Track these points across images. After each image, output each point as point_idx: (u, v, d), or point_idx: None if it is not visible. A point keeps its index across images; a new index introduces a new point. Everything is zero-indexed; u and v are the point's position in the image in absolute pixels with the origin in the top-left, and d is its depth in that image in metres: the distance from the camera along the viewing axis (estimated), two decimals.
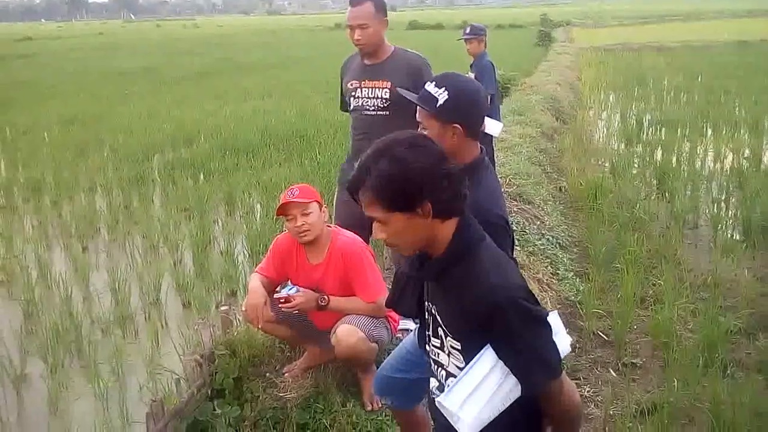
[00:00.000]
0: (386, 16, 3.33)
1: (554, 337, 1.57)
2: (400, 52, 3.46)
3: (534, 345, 1.50)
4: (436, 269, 1.60)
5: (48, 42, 48.31)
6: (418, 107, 2.01)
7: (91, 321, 5.05)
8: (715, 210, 6.63)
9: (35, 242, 6.64)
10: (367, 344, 2.84)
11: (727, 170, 8.12)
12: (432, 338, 1.73)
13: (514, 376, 1.52)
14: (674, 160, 8.67)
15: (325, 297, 2.95)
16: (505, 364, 1.51)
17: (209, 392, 3.24)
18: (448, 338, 1.64)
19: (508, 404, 1.56)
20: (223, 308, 3.71)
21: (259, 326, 3.06)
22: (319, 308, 2.96)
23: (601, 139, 10.39)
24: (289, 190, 2.99)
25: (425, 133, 1.98)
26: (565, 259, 5.21)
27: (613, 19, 50.39)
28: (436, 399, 1.64)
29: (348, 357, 2.89)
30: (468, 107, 1.97)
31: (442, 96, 1.93)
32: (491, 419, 1.56)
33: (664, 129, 10.73)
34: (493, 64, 5.93)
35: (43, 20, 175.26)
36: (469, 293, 1.52)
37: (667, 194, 7.16)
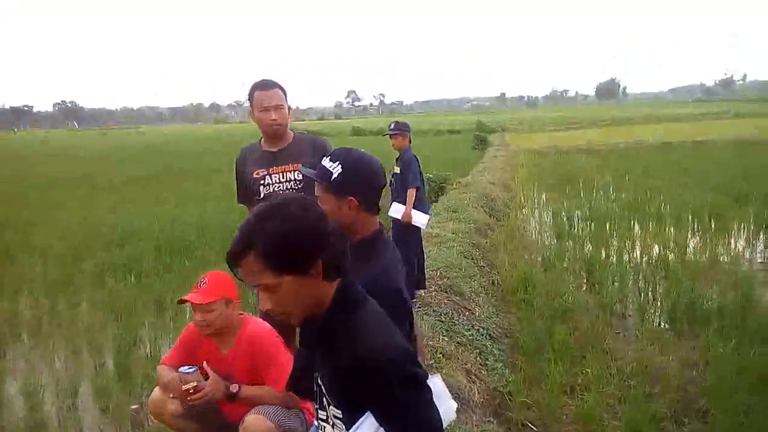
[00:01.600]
0: (290, 105, 3.45)
1: (437, 402, 1.56)
2: (300, 135, 3.57)
3: (414, 408, 1.48)
4: (317, 332, 1.58)
5: None
6: (316, 184, 2.05)
7: (2, 428, 4.74)
8: (641, 299, 6.79)
9: None
10: None
11: (653, 261, 8.39)
12: (319, 411, 1.69)
13: None
14: (603, 253, 8.93)
15: (236, 385, 2.86)
16: (384, 429, 1.48)
17: None
18: (331, 408, 1.60)
19: None
20: (133, 407, 3.54)
21: (166, 421, 2.92)
22: (228, 397, 2.86)
23: (533, 235, 10.66)
24: (200, 279, 2.95)
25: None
26: (494, 350, 5.21)
27: (545, 125, 52.94)
28: None
29: None
30: (361, 180, 2.00)
31: (336, 170, 1.97)
32: None
33: (593, 224, 11.09)
34: (417, 158, 6.13)
35: None
36: (348, 355, 1.49)
37: (595, 285, 7.32)
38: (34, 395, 5.08)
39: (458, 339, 4.97)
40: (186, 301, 2.89)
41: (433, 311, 5.46)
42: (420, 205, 5.95)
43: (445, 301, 5.75)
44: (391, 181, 6.17)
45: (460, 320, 5.41)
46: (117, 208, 14.98)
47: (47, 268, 9.14)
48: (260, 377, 2.91)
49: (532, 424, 4.20)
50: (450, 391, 4.08)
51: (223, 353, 3.01)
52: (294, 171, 3.39)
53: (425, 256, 6.40)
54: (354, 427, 1.51)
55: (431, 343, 4.68)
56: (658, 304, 6.74)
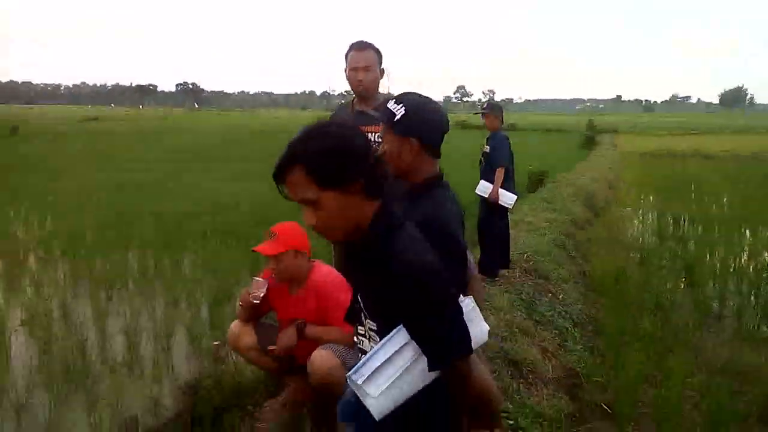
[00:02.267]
0: (383, 68, 3.48)
1: (468, 322, 1.59)
2: (390, 97, 3.60)
3: (441, 323, 1.52)
4: (357, 251, 1.64)
5: (114, 123, 51.12)
6: (382, 124, 2.10)
7: (102, 361, 5.16)
8: (741, 302, 6.44)
9: (65, 289, 6.88)
10: (342, 372, 2.84)
11: (760, 267, 7.92)
12: (358, 327, 1.76)
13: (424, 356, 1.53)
14: (707, 255, 8.51)
15: (302, 321, 3.00)
16: (414, 340, 1.53)
17: (190, 420, 3.25)
18: (367, 321, 1.66)
19: (422, 385, 1.56)
20: (215, 342, 3.77)
21: (241, 352, 3.11)
22: (299, 335, 3.00)
23: (633, 233, 10.29)
24: (272, 230, 3.12)
25: (384, 148, 2.06)
26: (575, 334, 5.11)
27: (660, 129, 50.64)
28: (347, 377, 1.64)
29: (322, 383, 2.88)
30: (424, 122, 2.01)
31: (399, 111, 2.00)
32: (402, 399, 1.56)
33: (700, 227, 10.58)
34: (508, 139, 6.09)
35: (112, 105, 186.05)
36: (385, 271, 1.55)
37: (694, 285, 7.00)
38: (133, 335, 5.49)
39: (536, 317, 4.93)
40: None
41: (514, 289, 5.43)
42: (507, 185, 5.92)
43: (529, 282, 5.70)
44: (480, 161, 6.17)
45: (541, 301, 5.35)
46: (226, 179, 15.74)
47: (157, 227, 9.78)
48: (327, 319, 3.03)
49: (607, 407, 4.11)
50: (522, 365, 4.08)
51: (293, 295, 3.16)
52: (375, 132, 3.47)
53: (511, 238, 6.34)
54: (386, 338, 1.57)
55: (507, 316, 4.67)
56: (759, 308, 6.37)
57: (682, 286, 7.10)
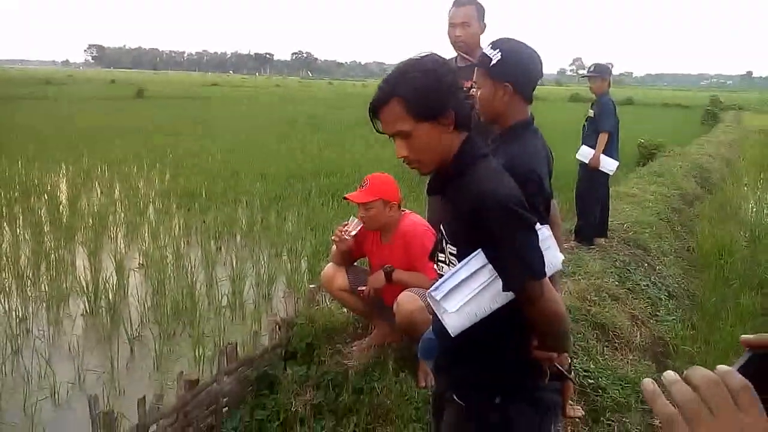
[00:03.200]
0: (485, 23, 3.51)
1: (543, 249, 1.68)
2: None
3: (517, 245, 1.62)
4: (442, 180, 1.76)
5: (232, 89, 53.30)
6: (476, 69, 2.19)
7: (208, 303, 5.60)
8: None
9: (179, 238, 7.45)
10: (425, 314, 2.98)
11: None
12: (439, 254, 1.88)
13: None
14: None
15: (390, 266, 3.17)
16: (490, 262, 1.64)
17: (283, 353, 3.52)
18: (448, 246, 1.78)
19: (496, 306, 1.67)
20: (311, 286, 4.01)
21: (334, 293, 3.33)
22: (387, 279, 3.17)
23: (747, 212, 9.75)
24: (364, 179, 3.28)
25: (479, 92, 2.16)
26: (669, 305, 5.01)
27: None
28: (427, 293, 1.77)
29: (407, 324, 3.04)
30: (519, 67, 2.06)
31: (495, 56, 2.06)
32: (476, 317, 1.68)
33: None
34: (614, 103, 5.91)
35: (231, 72, 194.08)
36: (464, 198, 1.67)
37: None
38: (238, 281, 5.89)
39: (629, 286, 4.87)
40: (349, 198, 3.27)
41: (609, 257, 5.36)
42: (610, 151, 5.77)
43: (626, 252, 5.60)
44: (583, 126, 6.05)
45: (636, 271, 5.26)
46: (332, 145, 16.18)
47: (265, 186, 10.28)
48: (414, 265, 3.18)
49: None
50: (608, 329, 4.08)
51: (384, 243, 3.33)
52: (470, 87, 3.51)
53: (609, 207, 6.21)
54: (465, 260, 1.69)
55: (597, 281, 4.65)
56: None
57: None
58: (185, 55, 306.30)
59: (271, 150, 14.96)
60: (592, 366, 3.65)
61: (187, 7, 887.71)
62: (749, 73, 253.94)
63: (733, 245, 6.69)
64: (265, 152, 14.50)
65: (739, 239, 7.54)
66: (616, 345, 4.05)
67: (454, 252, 1.76)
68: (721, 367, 0.63)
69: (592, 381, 3.51)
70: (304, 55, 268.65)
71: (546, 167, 2.13)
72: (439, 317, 1.71)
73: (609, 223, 6.14)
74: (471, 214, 1.65)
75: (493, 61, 2.07)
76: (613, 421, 3.29)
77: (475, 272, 1.66)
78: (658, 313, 4.77)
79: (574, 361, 3.64)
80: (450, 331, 1.68)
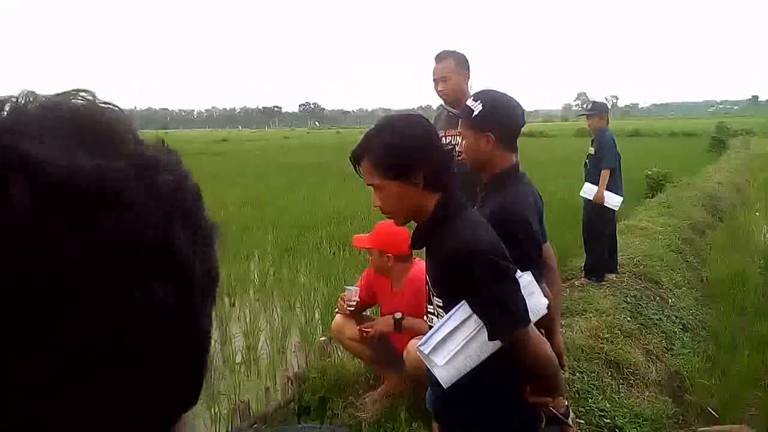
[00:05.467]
0: (468, 72, 3.59)
1: (526, 296, 1.71)
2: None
3: (499, 295, 1.66)
4: (421, 235, 1.82)
5: (241, 143, 54.13)
6: (459, 120, 2.27)
7: (223, 360, 5.62)
8: None
9: None
10: None
11: None
12: (428, 306, 1.92)
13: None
14: None
15: (399, 313, 3.20)
16: (474, 312, 1.68)
17: (297, 408, 3.54)
18: (434, 299, 1.83)
19: (485, 355, 1.71)
20: (322, 339, 4.04)
21: (344, 343, 3.37)
22: (396, 327, 3.20)
23: (761, 239, 9.69)
24: (376, 225, 3.38)
25: (463, 142, 2.23)
26: (684, 338, 4.98)
27: None
28: (416, 348, 1.81)
29: (416, 372, 3.05)
30: (499, 117, 2.15)
31: (477, 107, 2.15)
32: (466, 368, 1.71)
33: None
34: (613, 138, 5.99)
35: (240, 127, 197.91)
36: (444, 251, 1.72)
37: None
38: (252, 337, 5.92)
39: (642, 321, 4.85)
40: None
41: (620, 292, 5.35)
42: (613, 187, 5.82)
43: (637, 287, 5.59)
44: (585, 163, 6.12)
45: (649, 305, 5.25)
46: (341, 192, 16.32)
47: (276, 238, 10.37)
48: (423, 312, 3.21)
49: (711, 410, 4.00)
50: (623, 366, 4.06)
51: (395, 290, 3.38)
52: (454, 136, 3.59)
53: (618, 242, 6.24)
54: (450, 312, 1.74)
55: (609, 318, 4.64)
56: None
57: None
58: (195, 112, 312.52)
59: (281, 201, 15.12)
60: (607, 405, 3.62)
61: (195, 66, 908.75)
62: (755, 97, 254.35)
63: (747, 273, 6.65)
64: (275, 203, 14.65)
65: (753, 266, 7.49)
66: (632, 382, 4.02)
67: (441, 304, 1.80)
68: None
69: (608, 421, 3.48)
70: (311, 106, 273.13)
71: (535, 212, 2.19)
72: (430, 370, 1.74)
73: (619, 257, 6.15)
74: (451, 266, 1.70)
75: (475, 113, 2.16)
76: None
77: (460, 324, 1.70)
78: (673, 347, 4.74)
79: (589, 400, 3.63)
80: (442, 384, 1.71)
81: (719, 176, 14.66)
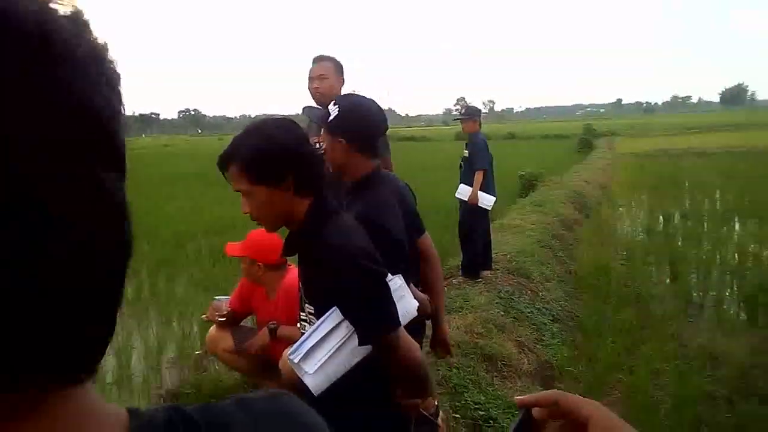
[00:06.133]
0: (343, 78, 3.62)
1: (397, 299, 1.72)
2: None
3: (370, 299, 1.66)
4: (292, 241, 1.79)
5: None
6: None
7: (93, 381, 5.30)
8: (722, 292, 6.56)
9: None
10: None
11: (745, 259, 8.01)
12: (300, 314, 1.90)
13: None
14: (694, 249, 8.62)
15: (274, 323, 3.14)
16: (345, 318, 1.67)
17: None
18: (306, 305, 1.81)
19: (356, 360, 1.70)
20: (197, 352, 3.91)
21: (219, 355, 3.27)
22: (272, 336, 3.14)
23: (622, 231, 10.40)
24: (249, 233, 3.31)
25: (324, 146, 2.20)
26: (553, 329, 5.23)
27: (658, 131, 50.73)
28: (287, 357, 1.78)
29: (291, 380, 3.00)
30: (353, 122, 2.11)
31: (333, 112, 2.12)
32: (337, 375, 1.69)
33: (689, 222, 10.69)
34: (486, 142, 6.25)
35: None
36: (315, 256, 1.70)
37: (677, 278, 7.11)
38: (124, 353, 5.62)
39: (514, 314, 5.05)
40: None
41: (494, 288, 5.55)
42: (487, 188, 6.07)
43: (510, 282, 5.82)
44: (460, 165, 6.33)
45: (521, 299, 5.47)
46: (223, 200, 15.92)
47: (153, 249, 9.94)
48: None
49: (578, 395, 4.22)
50: (496, 359, 4.20)
51: (270, 299, 3.31)
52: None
53: (492, 240, 6.48)
54: (321, 319, 1.72)
55: (483, 314, 4.79)
56: (739, 296, 6.47)
57: (667, 280, 7.22)
58: None
59: (159, 211, 14.52)
60: (482, 398, 3.73)
61: None
62: (619, 101, 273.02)
63: (610, 265, 7.10)
64: (153, 213, 14.05)
65: (616, 258, 8.01)
66: (505, 374, 4.17)
67: (313, 311, 1.78)
68: None
69: (483, 413, 3.59)
70: (192, 112, 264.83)
71: (398, 214, 2.17)
72: (300, 378, 1.72)
73: (493, 255, 6.39)
74: (323, 272, 1.68)
75: (330, 117, 2.13)
76: None
77: (331, 330, 1.68)
78: (543, 338, 4.96)
79: (465, 395, 3.73)
80: (312, 391, 1.69)
81: (586, 175, 15.59)
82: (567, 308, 6.00)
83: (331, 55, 3.65)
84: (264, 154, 1.66)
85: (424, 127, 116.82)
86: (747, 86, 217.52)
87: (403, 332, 1.70)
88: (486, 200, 6.04)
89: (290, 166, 1.67)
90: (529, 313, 5.24)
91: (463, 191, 6.11)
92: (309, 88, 3.57)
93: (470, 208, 6.07)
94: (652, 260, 8.08)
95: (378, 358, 1.70)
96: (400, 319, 1.72)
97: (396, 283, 1.81)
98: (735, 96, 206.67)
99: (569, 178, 14.48)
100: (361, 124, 2.14)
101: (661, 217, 11.23)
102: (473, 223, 6.09)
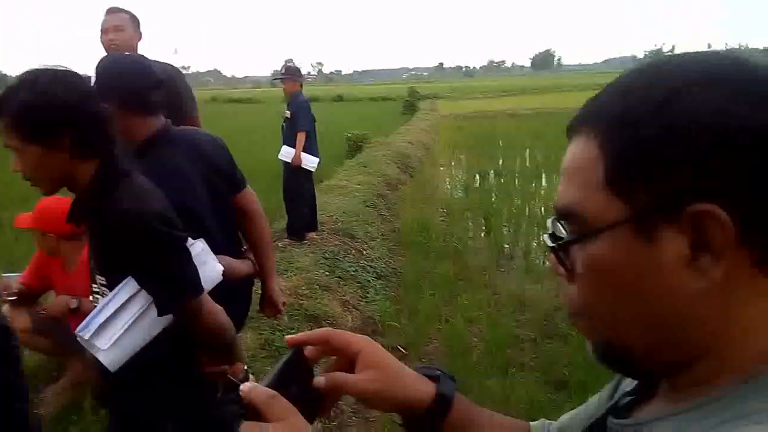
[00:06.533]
0: (140, 34, 3.36)
1: (200, 264, 1.64)
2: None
3: (167, 266, 1.56)
4: (78, 208, 1.63)
5: None
6: None
7: None
8: (530, 242, 7.10)
9: None
10: None
11: (551, 212, 8.71)
12: (92, 286, 1.76)
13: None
14: (507, 204, 9.24)
15: (75, 300, 2.91)
16: (142, 287, 1.56)
17: None
18: (97, 277, 1.67)
19: (157, 331, 1.60)
20: None
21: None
22: (72, 312, 2.91)
23: (442, 189, 10.90)
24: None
25: None
26: (377, 285, 5.38)
27: (476, 93, 53.56)
28: (75, 333, 1.64)
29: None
30: (113, 85, 1.90)
31: (92, 80, 1.88)
32: (135, 348, 1.59)
33: (503, 179, 11.44)
34: (308, 103, 6.20)
35: None
36: (106, 222, 1.56)
37: (492, 232, 7.60)
38: None
39: (339, 274, 5.12)
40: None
41: (319, 249, 5.59)
42: (310, 149, 6.05)
43: (336, 242, 5.89)
44: (282, 126, 6.23)
45: (346, 258, 5.56)
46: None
47: None
48: None
49: (401, 347, 4.39)
50: (321, 319, 4.22)
51: (69, 271, 3.06)
52: None
53: (317, 201, 6.50)
54: (114, 290, 1.59)
55: (308, 275, 4.81)
56: (544, 246, 7.03)
57: (482, 234, 7.69)
58: None
59: None
60: None
61: None
62: (441, 65, 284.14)
63: (431, 221, 7.41)
64: None
65: (436, 215, 8.39)
66: None
67: (105, 282, 1.65)
68: (245, 386, 0.63)
69: None
70: None
71: (184, 177, 2.00)
72: (94, 355, 1.59)
73: (319, 216, 6.41)
74: (114, 239, 1.55)
75: (92, 83, 1.91)
76: None
77: (127, 302, 1.57)
78: (367, 295, 5.09)
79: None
80: (108, 368, 1.58)
81: (410, 136, 16.08)
82: (391, 265, 6.19)
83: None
84: (35, 110, 1.48)
85: (251, 89, 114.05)
86: (554, 51, 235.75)
87: (206, 298, 1.63)
88: (309, 161, 6.02)
89: (66, 124, 1.50)
90: (354, 271, 5.33)
91: (286, 153, 6.04)
92: (102, 42, 3.28)
93: (294, 170, 6.02)
94: (469, 216, 8.56)
95: (181, 326, 1.62)
96: (204, 284, 1.64)
97: (198, 247, 1.72)
98: (544, 61, 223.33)
99: (394, 140, 14.86)
100: (122, 83, 1.93)
101: (477, 176, 11.92)
102: (297, 185, 6.05)
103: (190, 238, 1.66)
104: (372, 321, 4.72)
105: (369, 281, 5.32)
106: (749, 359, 0.52)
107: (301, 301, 4.37)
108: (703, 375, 0.54)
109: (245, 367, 1.94)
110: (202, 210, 1.98)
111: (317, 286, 4.68)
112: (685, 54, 0.57)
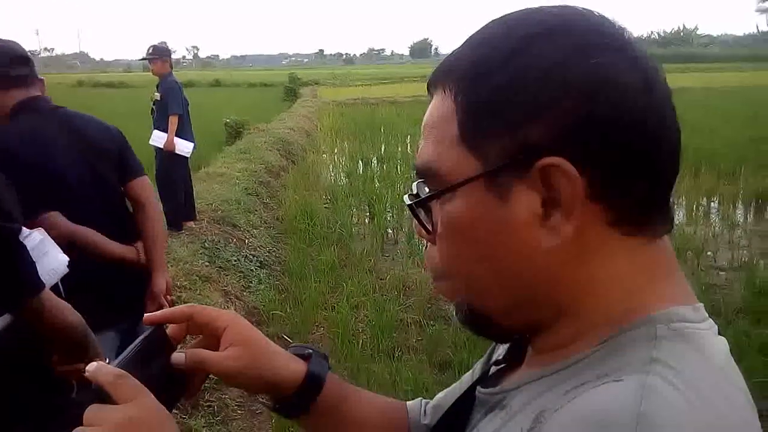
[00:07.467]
0: None
1: (39, 257, 1.49)
2: None
3: (2, 265, 1.40)
4: None
5: None
6: None
7: None
8: (412, 227, 7.20)
9: None
10: None
11: None
12: None
13: None
14: (390, 190, 9.31)
15: None
16: None
17: None
18: None
19: None
20: None
21: None
22: None
23: (325, 176, 10.84)
24: None
25: None
26: (260, 274, 5.24)
27: (357, 80, 53.76)
28: None
29: None
30: None
31: None
32: None
33: (385, 166, 11.53)
34: (179, 85, 5.91)
35: None
36: None
37: (374, 218, 7.63)
38: None
39: (220, 264, 4.95)
40: None
41: (199, 239, 5.36)
42: (183, 133, 5.76)
43: (216, 231, 5.67)
44: (152, 109, 5.91)
45: (227, 248, 5.38)
46: None
47: None
48: None
49: (286, 336, 4.30)
50: None
51: None
52: None
53: (194, 188, 6.24)
54: None
55: (187, 266, 4.60)
56: None
57: (366, 220, 7.71)
58: None
59: None
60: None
61: None
62: (321, 51, 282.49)
63: (315, 208, 7.32)
64: None
65: (320, 202, 8.31)
66: None
67: None
68: (91, 366, 0.58)
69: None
70: None
71: (43, 146, 1.94)
72: None
73: (197, 204, 6.15)
74: None
75: None
76: (213, 400, 3.30)
77: None
78: (251, 285, 4.95)
79: None
80: None
81: (291, 123, 15.85)
82: (274, 253, 6.07)
83: None
84: None
85: (122, 72, 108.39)
86: (431, 41, 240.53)
87: (48, 294, 1.47)
88: (184, 147, 5.74)
89: None
90: (235, 261, 5.16)
91: (158, 138, 5.72)
92: None
93: (167, 156, 5.72)
94: (353, 202, 8.56)
95: (26, 323, 1.46)
96: (46, 278, 1.49)
97: (35, 239, 1.55)
98: (422, 49, 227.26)
99: (275, 126, 14.59)
100: None
101: (360, 162, 11.94)
102: (172, 172, 5.76)
103: (25, 229, 1.49)
104: (256, 311, 4.60)
105: (252, 270, 5.18)
106: (607, 319, 0.51)
107: (179, 293, 4.16)
108: (563, 338, 0.54)
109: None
110: (72, 179, 1.92)
111: (197, 277, 4.48)
112: (552, 5, 0.55)
